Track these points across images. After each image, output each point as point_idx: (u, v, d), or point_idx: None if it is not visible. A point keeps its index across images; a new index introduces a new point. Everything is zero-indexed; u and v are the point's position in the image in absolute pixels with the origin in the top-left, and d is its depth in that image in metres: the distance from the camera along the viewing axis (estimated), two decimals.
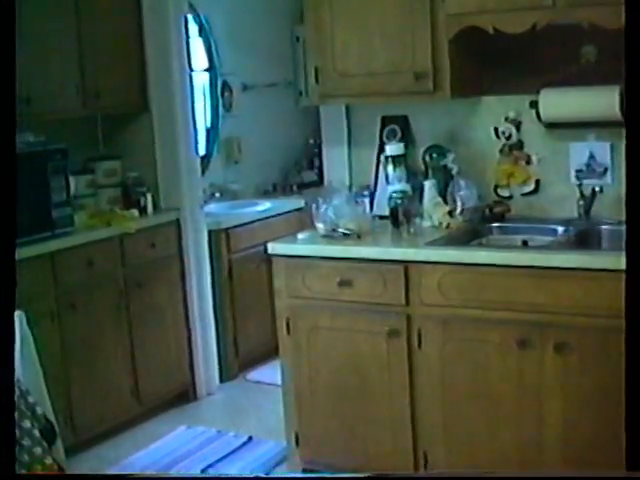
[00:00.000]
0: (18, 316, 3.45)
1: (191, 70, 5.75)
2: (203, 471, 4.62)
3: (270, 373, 5.51)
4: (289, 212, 6.36)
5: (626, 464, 2.56)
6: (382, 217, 4.43)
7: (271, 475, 4.24)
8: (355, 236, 4.15)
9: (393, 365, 4.00)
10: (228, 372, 6.02)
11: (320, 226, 4.24)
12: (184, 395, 5.67)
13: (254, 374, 6.01)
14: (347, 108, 4.69)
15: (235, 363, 6.08)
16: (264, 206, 6.41)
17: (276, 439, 4.63)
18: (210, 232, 5.79)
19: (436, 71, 4.01)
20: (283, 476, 4.22)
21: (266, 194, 6.96)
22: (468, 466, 3.89)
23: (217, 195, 6.58)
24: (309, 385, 4.25)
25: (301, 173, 7.18)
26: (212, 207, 6.36)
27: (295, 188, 7.03)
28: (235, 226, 6.01)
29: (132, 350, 5.24)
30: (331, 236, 4.18)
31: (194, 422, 5.32)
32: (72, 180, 5.08)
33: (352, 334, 4.08)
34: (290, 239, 4.29)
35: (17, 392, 3.10)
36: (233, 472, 4.58)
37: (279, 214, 6.28)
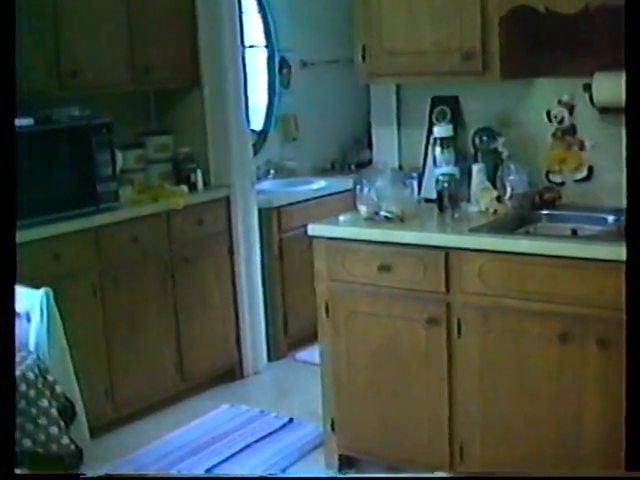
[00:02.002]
0: (45, 293, 3.42)
1: (245, 46, 5.67)
2: (241, 451, 4.58)
3: None
4: (344, 192, 6.24)
5: (626, 464, 2.45)
6: (430, 200, 4.32)
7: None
8: (397, 220, 4.04)
9: (431, 354, 3.90)
10: (276, 351, 5.97)
11: (362, 208, 4.14)
12: (230, 373, 5.63)
13: (303, 354, 5.95)
14: (397, 87, 4.57)
15: (284, 342, 6.03)
16: (319, 185, 6.33)
17: (317, 422, 4.55)
18: (261, 210, 5.72)
19: (485, 51, 3.86)
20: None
21: (324, 173, 6.87)
22: (504, 460, 3.78)
23: (272, 172, 6.51)
24: (347, 370, 4.17)
25: (360, 152, 7.05)
26: (267, 184, 6.30)
27: (354, 167, 6.91)
28: (287, 204, 5.94)
29: (177, 326, 5.21)
30: (373, 219, 4.08)
31: (238, 401, 5.28)
32: (122, 155, 5.07)
33: (390, 320, 3.99)
34: (331, 221, 4.20)
35: (36, 370, 3.07)
36: (270, 453, 4.54)
37: (334, 193, 6.18)
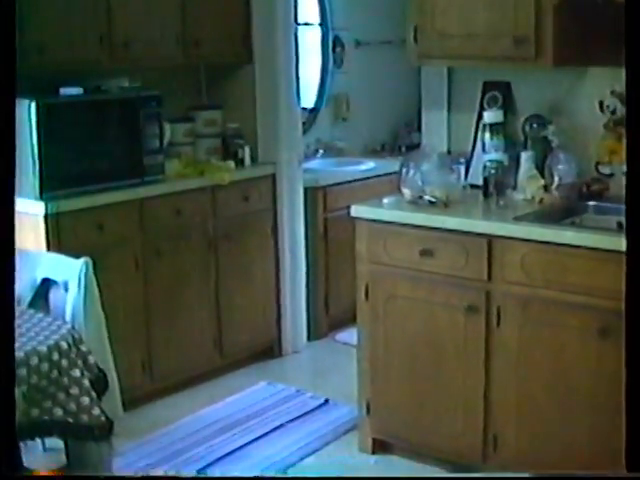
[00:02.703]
0: (84, 263, 3.43)
1: (298, 23, 5.63)
2: (275, 430, 4.58)
3: None
4: (393, 174, 6.16)
5: (626, 464, 2.41)
6: (476, 186, 4.26)
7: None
8: (441, 204, 4.00)
9: (469, 342, 3.85)
10: (317, 331, 5.96)
11: (406, 191, 4.11)
12: (269, 351, 5.63)
13: (343, 335, 5.93)
14: (449, 71, 4.52)
15: (325, 322, 6.02)
16: (367, 166, 6.29)
17: (352, 404, 4.52)
18: (307, 189, 5.70)
19: (538, 37, 3.80)
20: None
21: (374, 154, 6.83)
22: (538, 453, 3.73)
23: (321, 152, 6.48)
24: (384, 354, 4.14)
25: (411, 134, 6.99)
26: (315, 163, 6.28)
27: (404, 150, 6.85)
28: (334, 184, 5.91)
29: (217, 302, 5.21)
30: (416, 203, 4.04)
31: (275, 379, 5.28)
32: (170, 128, 5.07)
33: (430, 306, 3.95)
34: (375, 203, 4.17)
35: (70, 340, 3.08)
36: (303, 433, 4.54)
37: (382, 175, 6.11)
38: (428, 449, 4.11)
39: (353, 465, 4.24)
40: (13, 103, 2.40)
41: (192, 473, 4.14)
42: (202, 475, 4.09)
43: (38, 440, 3.93)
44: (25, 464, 3.60)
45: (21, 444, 3.44)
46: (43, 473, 2.97)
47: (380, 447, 4.31)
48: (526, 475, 3.08)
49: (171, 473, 4.06)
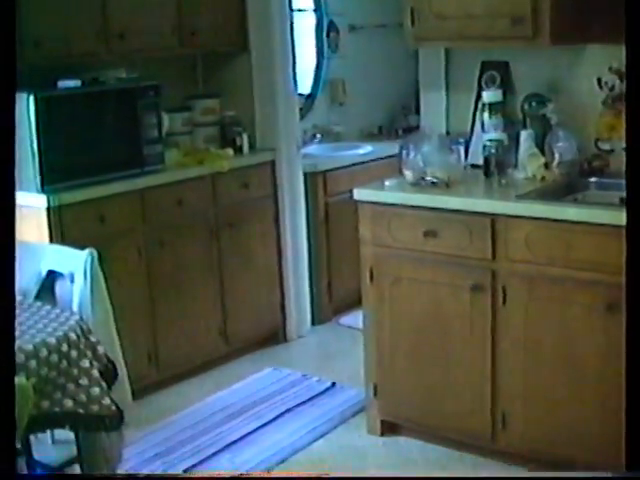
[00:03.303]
0: (89, 254, 3.43)
1: (293, 9, 5.62)
2: (282, 415, 4.59)
3: None
4: (391, 157, 6.17)
5: (626, 464, 2.42)
6: (476, 166, 4.26)
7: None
8: (443, 185, 4.00)
9: (475, 321, 3.86)
10: (321, 315, 5.97)
11: (408, 173, 4.11)
12: (274, 337, 5.64)
13: (347, 319, 5.95)
14: (446, 52, 4.51)
15: (328, 307, 6.03)
16: (365, 150, 6.29)
17: (359, 387, 4.53)
18: (306, 174, 5.70)
19: (535, 16, 3.78)
20: (284, 476, 4.12)
21: (371, 137, 6.82)
22: (547, 431, 3.75)
23: (319, 137, 6.47)
24: (390, 336, 4.15)
25: (408, 117, 6.99)
26: (313, 149, 6.28)
27: (401, 132, 6.85)
28: (333, 169, 5.91)
29: (221, 290, 5.22)
30: (418, 184, 4.05)
31: (281, 364, 5.29)
32: (168, 118, 5.07)
33: (435, 287, 3.96)
34: (377, 185, 4.17)
35: (78, 331, 3.08)
36: (311, 417, 4.55)
37: (381, 158, 6.12)
38: (436, 429, 4.13)
39: (362, 447, 4.25)
40: (13, 101, 2.38)
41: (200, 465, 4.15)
42: (199, 475, 4.04)
43: (48, 433, 3.96)
44: (35, 457, 3.61)
45: (31, 437, 3.45)
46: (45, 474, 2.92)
47: (388, 429, 4.33)
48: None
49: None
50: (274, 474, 3.98)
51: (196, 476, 4.04)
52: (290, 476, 3.95)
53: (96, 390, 3.04)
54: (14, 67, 2.51)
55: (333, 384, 4.93)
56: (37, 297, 3.57)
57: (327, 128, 6.60)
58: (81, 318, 3.22)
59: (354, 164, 6.03)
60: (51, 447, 4.11)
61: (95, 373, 3.07)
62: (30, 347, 2.92)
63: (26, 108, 4.21)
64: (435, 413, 4.08)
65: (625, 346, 2.48)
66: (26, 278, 3.65)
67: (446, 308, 3.94)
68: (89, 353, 3.10)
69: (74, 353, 3.02)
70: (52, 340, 2.99)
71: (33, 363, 2.90)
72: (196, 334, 5.08)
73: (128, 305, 4.61)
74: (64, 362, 3.00)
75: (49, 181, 4.32)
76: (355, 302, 5.85)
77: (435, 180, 4.01)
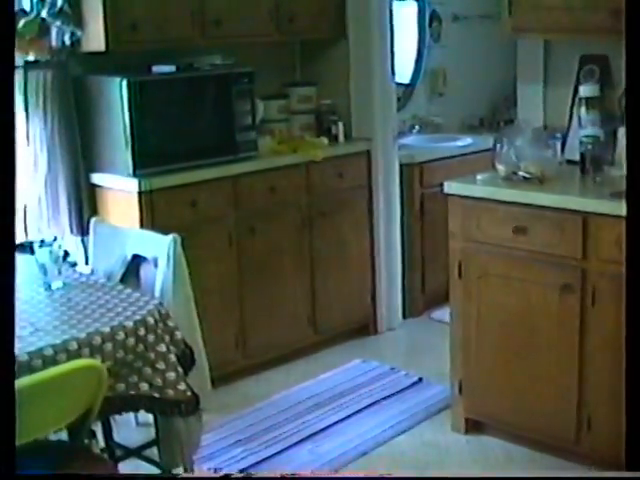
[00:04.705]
0: (172, 240, 3.44)
1: None
2: (368, 407, 4.56)
3: None
4: (490, 150, 6.08)
5: (626, 464, 2.31)
6: (572, 162, 4.16)
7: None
8: (536, 180, 3.91)
9: (564, 321, 3.77)
10: (412, 309, 5.92)
11: (500, 167, 4.04)
12: (364, 328, 5.61)
13: (439, 313, 5.86)
14: (545, 45, 4.41)
15: (421, 300, 5.97)
16: (464, 142, 6.19)
17: (446, 383, 4.47)
18: (402, 165, 5.64)
19: None
20: (347, 476, 4.06)
21: (471, 130, 6.72)
22: None
23: (417, 128, 6.40)
24: (476, 333, 4.08)
25: (510, 110, 6.85)
26: (410, 139, 6.21)
27: (502, 125, 6.72)
28: (430, 160, 5.84)
29: (312, 279, 5.21)
30: (511, 179, 3.97)
31: (370, 356, 5.26)
32: (263, 105, 5.07)
33: (523, 284, 3.88)
34: (468, 179, 4.10)
35: (156, 315, 3.09)
36: (396, 411, 4.51)
37: (479, 151, 6.00)
38: (521, 429, 4.05)
39: (444, 445, 4.20)
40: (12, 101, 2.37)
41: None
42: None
43: (131, 415, 4.01)
44: (116, 439, 3.65)
45: (112, 419, 3.49)
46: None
47: (473, 427, 4.26)
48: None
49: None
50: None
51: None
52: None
53: (172, 375, 3.04)
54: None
55: (420, 379, 4.88)
56: (122, 280, 3.60)
57: (426, 119, 6.52)
58: (161, 303, 3.23)
59: (452, 156, 5.95)
60: (134, 429, 4.16)
61: (172, 358, 3.07)
62: (107, 329, 2.95)
63: (119, 92, 4.25)
64: (519, 412, 4.00)
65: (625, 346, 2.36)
66: (112, 261, 3.70)
67: (534, 307, 3.86)
68: (166, 338, 3.11)
69: (151, 337, 3.03)
70: (129, 323, 3.01)
71: (109, 346, 2.92)
72: (284, 322, 5.08)
73: (217, 290, 4.65)
74: (141, 346, 3.01)
75: (141, 165, 4.36)
76: (448, 296, 5.79)
77: (528, 175, 3.93)
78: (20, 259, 3.93)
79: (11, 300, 2.32)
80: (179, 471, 3.55)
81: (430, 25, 6.55)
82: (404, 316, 5.83)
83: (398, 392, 4.75)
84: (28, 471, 2.62)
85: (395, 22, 5.50)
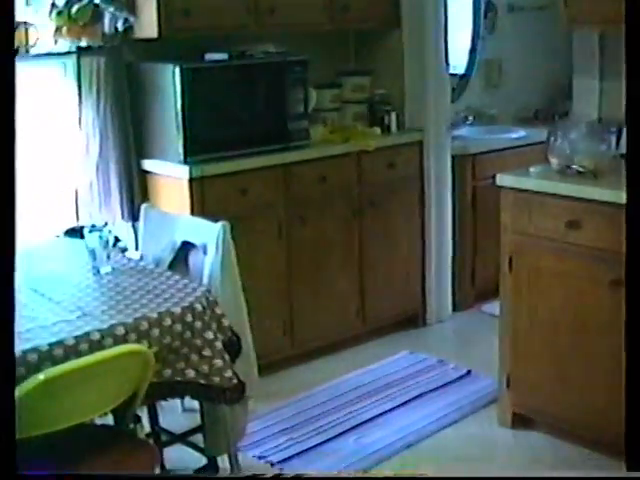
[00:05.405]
0: (222, 227, 3.44)
1: None
2: (414, 399, 4.54)
3: None
4: (545, 142, 6.02)
5: (626, 464, 2.25)
6: None
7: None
8: (590, 174, 3.85)
9: (614, 317, 3.70)
10: (462, 301, 5.87)
11: (554, 160, 3.98)
12: (413, 320, 5.58)
13: (489, 306, 5.80)
14: (601, 37, 4.36)
15: (471, 293, 5.92)
16: (518, 134, 6.13)
17: (494, 377, 4.43)
18: (455, 157, 5.60)
19: None
20: (380, 476, 4.02)
21: (526, 121, 6.64)
22: None
23: (471, 119, 6.35)
24: (526, 327, 4.05)
25: (566, 102, 6.77)
26: (464, 131, 6.17)
27: (557, 117, 6.64)
28: (483, 152, 5.79)
29: (361, 269, 5.19)
30: (564, 172, 3.91)
31: (418, 348, 5.23)
32: (316, 93, 5.06)
33: (575, 279, 3.82)
34: (521, 172, 4.05)
35: (204, 302, 3.10)
36: (443, 404, 4.49)
37: (533, 144, 5.93)
38: (569, 425, 4.00)
39: (490, 439, 4.16)
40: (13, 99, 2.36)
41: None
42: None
43: (178, 401, 4.02)
44: (162, 424, 3.67)
45: (158, 404, 3.51)
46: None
47: (520, 422, 4.22)
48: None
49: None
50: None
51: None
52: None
53: (219, 362, 3.05)
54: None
55: (468, 372, 4.85)
56: (170, 267, 3.61)
57: (480, 110, 6.46)
58: (208, 290, 3.23)
59: (505, 148, 5.89)
60: (180, 414, 4.18)
61: (219, 345, 3.07)
62: (154, 315, 2.96)
63: (172, 79, 4.26)
64: (568, 408, 3.95)
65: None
66: (161, 247, 3.71)
67: (585, 302, 3.80)
68: (214, 325, 3.11)
69: (198, 324, 3.03)
70: (177, 310, 3.01)
71: (156, 332, 2.93)
72: (333, 312, 5.07)
73: (266, 278, 4.65)
74: (188, 332, 3.02)
75: (192, 152, 4.37)
76: (499, 290, 5.73)
77: (581, 169, 3.87)
78: (70, 243, 3.98)
79: (11, 300, 2.32)
80: (224, 458, 3.56)
81: (485, 16, 6.49)
82: (454, 309, 5.79)
83: (445, 385, 4.73)
84: (72, 454, 2.63)
85: (450, 12, 5.46)
